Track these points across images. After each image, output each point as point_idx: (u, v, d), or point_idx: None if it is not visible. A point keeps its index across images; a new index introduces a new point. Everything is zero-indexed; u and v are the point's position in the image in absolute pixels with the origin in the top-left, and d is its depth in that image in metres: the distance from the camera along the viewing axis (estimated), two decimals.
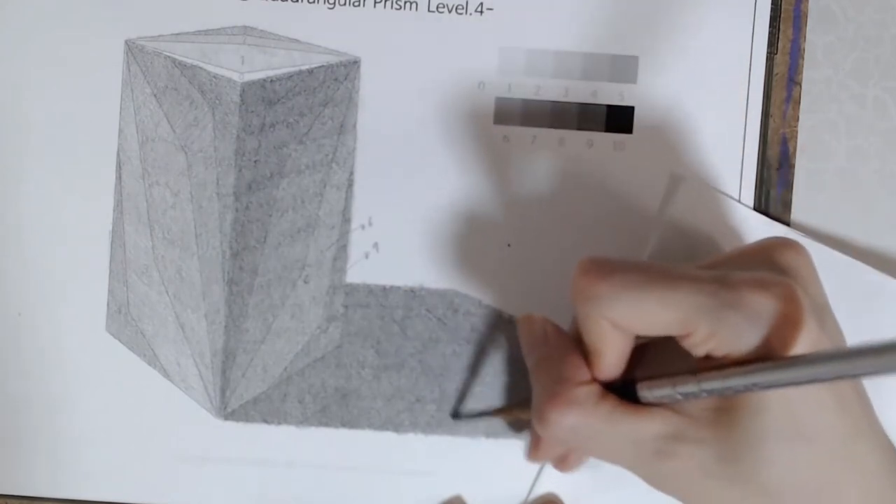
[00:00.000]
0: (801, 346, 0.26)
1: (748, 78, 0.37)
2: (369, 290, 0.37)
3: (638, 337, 0.30)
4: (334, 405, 0.37)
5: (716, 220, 0.36)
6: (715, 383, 0.27)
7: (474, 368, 0.37)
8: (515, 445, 0.37)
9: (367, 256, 0.37)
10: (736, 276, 0.27)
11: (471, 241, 0.37)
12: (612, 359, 0.30)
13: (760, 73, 0.37)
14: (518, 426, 0.37)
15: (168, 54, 0.36)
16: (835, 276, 0.34)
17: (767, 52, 0.37)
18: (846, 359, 0.23)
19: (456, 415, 0.37)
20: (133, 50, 0.37)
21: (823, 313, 0.28)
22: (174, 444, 0.37)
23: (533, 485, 0.37)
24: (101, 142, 0.37)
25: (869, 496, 0.28)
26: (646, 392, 0.29)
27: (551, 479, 0.37)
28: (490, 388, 0.37)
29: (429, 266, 0.37)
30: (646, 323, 0.28)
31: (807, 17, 0.37)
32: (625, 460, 0.30)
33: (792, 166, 0.37)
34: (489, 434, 0.37)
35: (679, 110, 0.37)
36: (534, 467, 0.37)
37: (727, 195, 0.37)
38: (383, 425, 0.37)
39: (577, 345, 0.31)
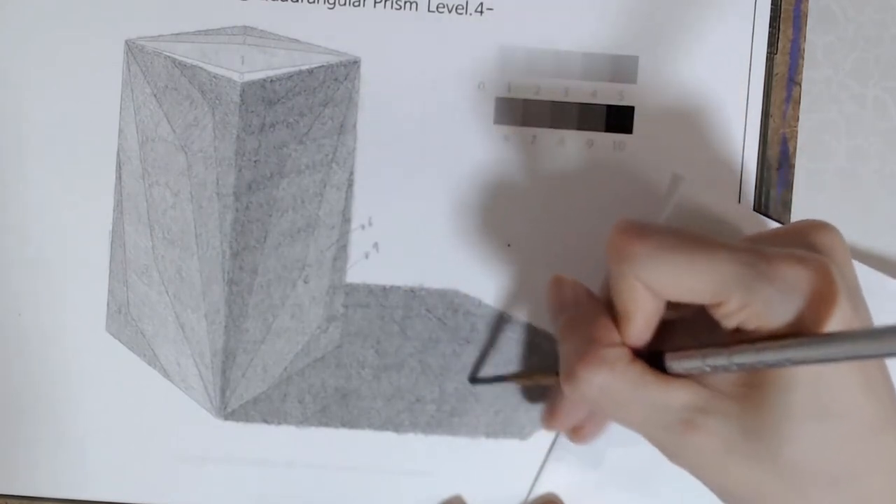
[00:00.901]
0: (835, 323, 0.26)
1: (748, 78, 0.37)
2: (369, 290, 0.37)
3: (668, 310, 0.30)
4: (334, 405, 0.37)
5: (715, 220, 0.36)
6: (747, 357, 0.26)
7: (493, 334, 0.37)
8: (515, 445, 0.37)
9: (367, 256, 0.37)
10: (772, 250, 0.27)
11: (471, 241, 0.37)
12: (641, 324, 0.29)
13: (760, 73, 0.37)
14: (533, 394, 0.37)
15: (168, 54, 0.36)
16: None
17: (767, 52, 0.37)
18: (882, 337, 0.23)
19: (473, 379, 0.37)
20: (133, 50, 0.37)
21: (856, 295, 0.28)
22: (174, 444, 0.37)
23: (533, 485, 0.37)
24: (101, 142, 0.37)
25: (889, 489, 0.27)
26: (674, 363, 0.29)
27: (551, 480, 0.37)
28: (506, 356, 0.37)
29: (429, 266, 0.37)
30: (679, 287, 0.28)
31: (807, 17, 0.37)
32: (647, 428, 0.29)
33: (792, 166, 0.37)
34: (489, 434, 0.37)
35: (679, 110, 0.37)
36: (534, 467, 0.37)
37: (727, 195, 0.37)
38: (383, 425, 0.37)
39: (608, 308, 0.30)
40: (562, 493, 0.37)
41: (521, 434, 0.37)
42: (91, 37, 0.37)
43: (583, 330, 0.30)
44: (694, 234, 0.28)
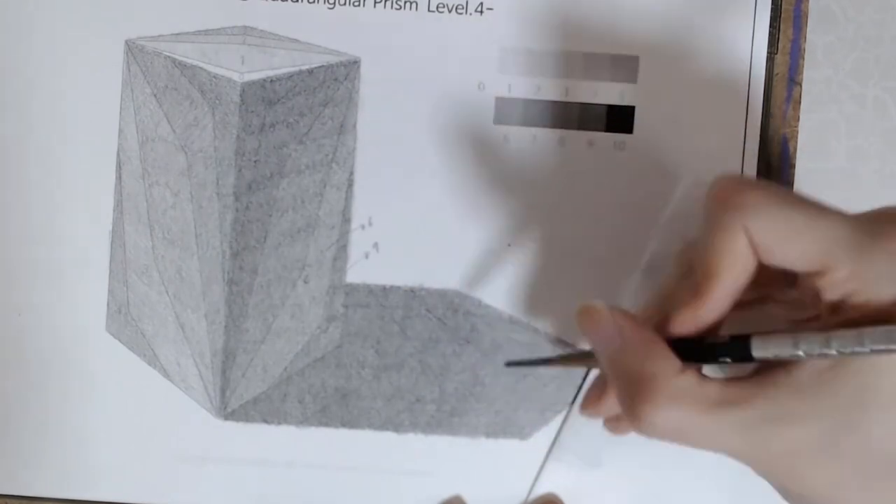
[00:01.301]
0: None
1: (748, 78, 0.37)
2: (369, 290, 0.37)
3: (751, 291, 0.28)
4: (334, 405, 0.37)
5: None
6: (849, 341, 0.24)
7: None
8: (515, 445, 0.37)
9: (367, 256, 0.37)
10: (890, 226, 0.25)
11: (471, 240, 0.37)
12: (728, 287, 0.27)
13: (760, 73, 0.37)
14: (570, 368, 0.36)
15: (168, 54, 0.36)
16: None
17: (767, 52, 0.37)
18: None
19: (509, 363, 0.37)
20: (133, 50, 0.37)
21: None
22: (174, 444, 0.37)
23: (533, 485, 0.37)
24: (101, 142, 0.37)
25: None
26: (761, 349, 0.26)
27: (551, 480, 0.37)
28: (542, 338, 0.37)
29: (429, 266, 0.37)
30: (787, 245, 0.26)
31: (807, 17, 0.37)
32: (731, 449, 0.27)
33: (792, 166, 0.37)
34: (489, 434, 0.37)
35: (679, 110, 0.37)
36: (534, 467, 0.37)
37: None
38: (383, 425, 0.37)
39: (658, 334, 0.28)
40: (562, 493, 0.37)
41: (521, 434, 0.37)
42: (91, 37, 0.37)
43: (635, 362, 0.28)
44: (806, 195, 0.26)
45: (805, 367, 0.26)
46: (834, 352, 0.24)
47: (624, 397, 0.28)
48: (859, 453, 0.26)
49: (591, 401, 0.33)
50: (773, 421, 0.26)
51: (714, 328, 0.28)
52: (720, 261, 0.27)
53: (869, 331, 0.24)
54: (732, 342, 0.27)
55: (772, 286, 0.29)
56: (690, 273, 0.28)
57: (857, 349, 0.24)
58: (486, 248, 0.37)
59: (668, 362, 0.27)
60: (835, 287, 0.25)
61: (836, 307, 0.26)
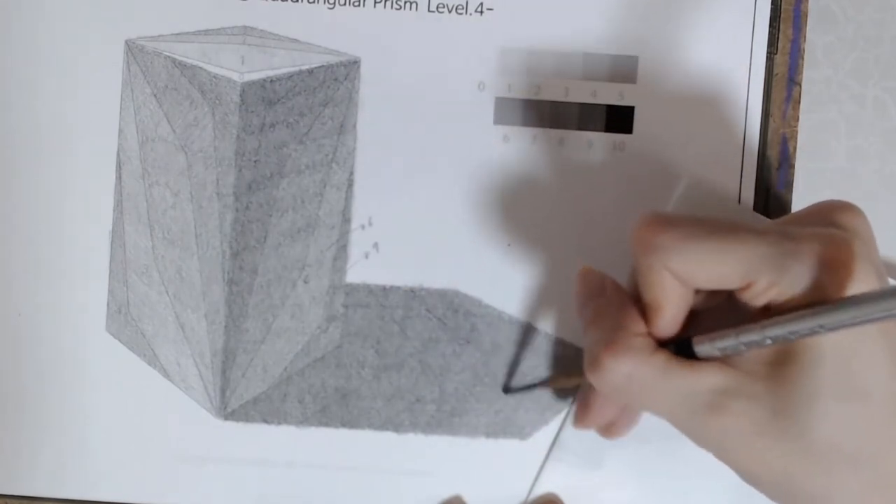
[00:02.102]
0: (856, 287, 0.26)
1: (748, 78, 0.37)
2: (369, 290, 0.37)
3: (694, 300, 0.30)
4: (334, 405, 0.37)
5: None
6: (779, 329, 0.27)
7: (522, 342, 0.37)
8: (515, 445, 0.37)
9: (367, 256, 0.37)
10: (796, 229, 0.28)
11: (471, 241, 0.37)
12: (671, 314, 0.29)
13: (760, 73, 0.37)
14: (564, 394, 0.37)
15: (168, 54, 0.36)
16: None
17: (767, 52, 0.37)
18: None
19: (507, 389, 0.37)
20: (133, 50, 0.37)
21: (880, 270, 0.28)
22: (174, 444, 0.37)
23: (533, 485, 0.37)
24: (101, 142, 0.37)
25: None
26: (705, 345, 0.29)
27: (551, 480, 0.37)
28: (537, 361, 0.37)
29: (429, 266, 0.37)
30: (708, 274, 0.28)
31: (807, 17, 0.37)
32: (675, 414, 0.29)
33: (792, 166, 0.37)
34: (489, 434, 0.37)
35: (679, 110, 0.37)
36: (534, 467, 0.37)
37: (727, 195, 0.37)
38: (383, 425, 0.37)
39: (635, 299, 0.31)
40: (562, 493, 0.37)
41: (521, 434, 0.37)
42: (91, 37, 0.37)
43: (608, 319, 0.30)
44: (718, 221, 0.29)
45: (759, 356, 0.28)
46: (768, 340, 0.27)
47: (591, 347, 0.30)
48: (805, 442, 0.27)
49: (580, 414, 0.35)
50: (721, 392, 0.28)
51: (683, 332, 0.30)
52: (656, 296, 0.29)
53: (794, 316, 0.26)
54: (678, 347, 0.30)
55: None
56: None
57: (788, 335, 0.26)
58: (485, 248, 0.37)
59: (635, 322, 0.30)
60: (758, 297, 0.28)
61: (764, 310, 0.28)
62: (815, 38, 0.38)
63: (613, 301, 0.31)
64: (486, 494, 0.37)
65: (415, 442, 0.37)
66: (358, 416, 0.37)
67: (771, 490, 0.29)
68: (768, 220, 0.34)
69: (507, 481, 0.37)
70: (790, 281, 0.27)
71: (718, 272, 0.28)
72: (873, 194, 0.38)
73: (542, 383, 0.37)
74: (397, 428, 0.37)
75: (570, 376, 0.36)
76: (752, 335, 0.27)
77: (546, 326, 0.37)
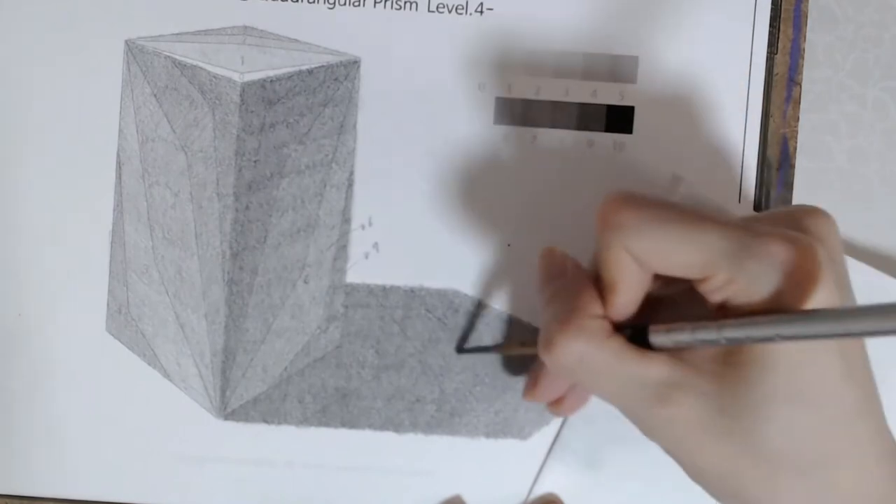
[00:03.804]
0: (817, 301, 0.26)
1: (748, 78, 0.37)
2: (369, 290, 0.37)
3: (654, 287, 0.30)
4: (334, 405, 0.37)
5: None
6: (736, 331, 0.26)
7: (479, 306, 0.37)
8: (515, 445, 0.37)
9: (366, 256, 0.37)
10: (762, 228, 0.27)
11: (471, 241, 0.37)
12: (626, 296, 0.29)
13: (760, 73, 0.37)
14: (515, 367, 0.37)
15: (168, 54, 0.36)
16: None
17: (767, 52, 0.37)
18: (870, 315, 0.23)
19: (460, 349, 0.37)
20: (133, 50, 0.37)
21: (843, 282, 0.28)
22: (174, 444, 0.37)
23: (533, 485, 0.37)
24: (101, 142, 0.37)
25: (862, 480, 0.27)
26: (661, 336, 0.28)
27: (551, 480, 0.37)
28: (492, 329, 0.37)
29: (428, 266, 0.37)
30: (666, 260, 0.28)
31: (807, 17, 0.37)
32: (623, 401, 0.29)
33: (792, 166, 0.37)
34: (489, 434, 0.37)
35: (679, 110, 0.37)
36: (534, 467, 0.37)
37: (727, 195, 0.37)
38: (383, 425, 0.37)
39: (595, 282, 0.30)
40: (562, 493, 0.37)
41: (521, 434, 0.37)
42: (91, 37, 0.37)
43: (566, 299, 0.30)
44: (685, 207, 0.28)
45: (711, 354, 0.28)
46: (724, 340, 0.26)
47: (546, 326, 0.30)
48: (751, 443, 0.27)
49: (529, 387, 0.35)
50: (670, 384, 0.28)
51: (638, 318, 0.30)
52: (612, 275, 0.29)
53: (753, 320, 0.26)
54: (634, 331, 0.29)
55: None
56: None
57: (744, 338, 0.26)
58: (485, 248, 0.37)
59: (592, 304, 0.29)
60: (715, 292, 0.27)
61: (721, 307, 0.27)
62: (815, 38, 0.38)
63: (573, 281, 0.31)
64: (486, 494, 0.37)
65: (415, 442, 0.37)
66: (358, 416, 0.37)
67: (715, 488, 0.29)
68: (736, 215, 0.34)
69: (507, 481, 0.37)
70: (748, 280, 0.26)
71: (676, 259, 0.27)
72: (873, 194, 0.38)
73: (497, 347, 0.37)
74: (397, 428, 0.37)
75: (524, 345, 0.36)
76: (708, 333, 0.27)
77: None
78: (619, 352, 0.28)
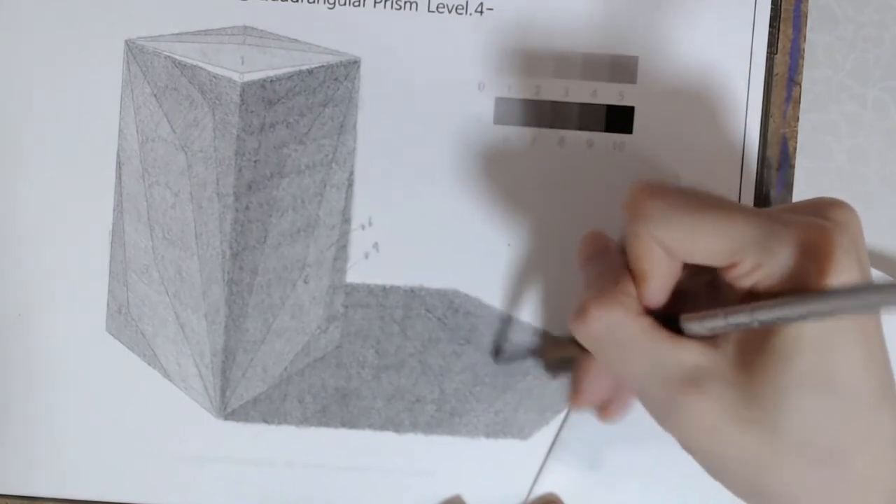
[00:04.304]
0: (838, 280, 0.26)
1: (748, 78, 0.37)
2: (369, 290, 0.37)
3: (682, 278, 0.30)
4: (334, 405, 0.37)
5: None
6: (769, 313, 0.26)
7: (508, 319, 0.37)
8: (515, 445, 0.37)
9: (366, 256, 0.37)
10: (787, 216, 0.28)
11: (471, 240, 0.37)
12: (656, 284, 0.29)
13: (760, 73, 0.37)
14: (555, 369, 0.37)
15: (168, 54, 0.36)
16: None
17: (767, 52, 0.37)
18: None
19: (497, 357, 0.37)
20: (133, 50, 0.37)
21: (865, 265, 0.28)
22: (174, 444, 0.37)
23: (533, 485, 0.37)
24: (101, 142, 0.37)
25: (879, 466, 0.27)
26: (693, 324, 0.29)
27: (551, 480, 0.37)
28: (524, 334, 0.37)
29: (429, 266, 0.37)
30: (695, 247, 0.28)
31: (807, 17, 0.37)
32: (648, 381, 0.29)
33: (792, 166, 0.37)
34: (489, 434, 0.37)
35: (679, 110, 0.37)
36: (534, 467, 0.37)
37: (726, 195, 0.37)
38: (383, 425, 0.37)
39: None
40: (562, 493, 0.37)
41: (521, 434, 0.37)
42: (91, 37, 0.37)
43: (605, 279, 0.30)
44: (711, 196, 0.29)
45: (739, 343, 0.28)
46: (757, 323, 0.27)
47: (582, 299, 0.30)
48: (776, 434, 0.27)
49: (575, 393, 0.35)
50: (699, 369, 0.28)
51: (672, 304, 0.30)
52: (642, 264, 0.29)
53: (784, 300, 0.26)
54: (667, 319, 0.29)
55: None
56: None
57: (777, 318, 0.26)
58: (485, 248, 0.37)
59: (628, 284, 0.30)
60: (743, 278, 0.28)
61: (749, 293, 0.28)
62: (815, 38, 0.38)
63: (613, 264, 0.31)
64: (486, 494, 0.37)
65: (415, 442, 0.37)
66: (358, 416, 0.37)
67: (736, 483, 0.29)
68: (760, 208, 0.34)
69: (507, 481, 0.37)
70: (775, 264, 0.27)
71: (704, 247, 0.28)
72: (873, 194, 0.38)
73: (534, 352, 0.37)
74: (397, 428, 0.37)
75: (560, 346, 0.36)
76: (741, 316, 0.27)
77: (547, 326, 0.37)
78: (651, 329, 0.29)
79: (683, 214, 0.28)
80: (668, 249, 0.29)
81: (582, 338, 0.30)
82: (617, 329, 0.29)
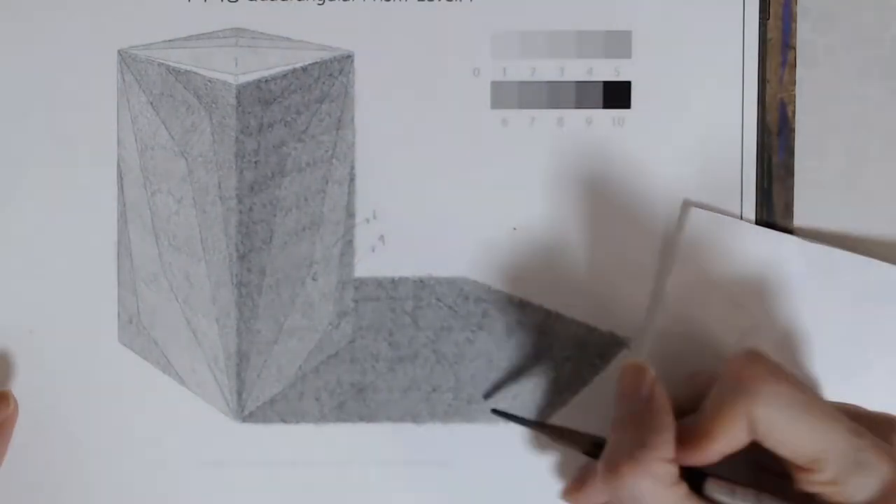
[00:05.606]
0: None
1: (742, 45, 0.37)
2: (378, 283, 0.37)
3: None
4: (351, 400, 0.37)
5: (725, 240, 0.36)
6: None
7: (516, 366, 0.37)
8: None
9: (373, 250, 0.37)
10: (873, 439, 0.28)
11: (476, 227, 0.37)
12: (718, 451, 0.29)
13: (754, 40, 0.37)
14: (543, 446, 0.37)
15: (161, 61, 0.36)
16: (854, 276, 0.35)
17: (759, 18, 0.37)
18: None
19: (488, 397, 0.37)
20: (126, 59, 0.37)
21: None
22: (194, 451, 0.37)
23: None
24: (100, 153, 0.37)
25: None
26: (723, 492, 0.29)
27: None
28: (524, 391, 0.37)
29: (436, 255, 0.37)
30: (783, 440, 0.28)
31: None
32: None
33: (792, 130, 0.37)
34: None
35: (676, 82, 0.37)
36: (553, 449, 0.37)
37: (732, 215, 0.37)
38: (402, 417, 0.37)
39: (675, 407, 0.30)
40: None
41: (539, 418, 0.37)
42: (83, 49, 0.37)
43: (641, 431, 0.30)
44: (815, 396, 0.28)
45: None
46: None
47: (613, 451, 0.30)
48: None
49: (572, 491, 0.35)
50: None
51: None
52: (718, 430, 0.29)
53: None
54: (694, 478, 0.29)
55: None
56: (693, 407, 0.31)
57: None
58: (491, 233, 0.37)
59: (666, 446, 0.29)
60: (813, 485, 0.28)
61: (807, 496, 0.28)
62: (815, 38, 0.37)
63: (654, 414, 0.30)
64: (508, 479, 0.37)
65: (434, 431, 0.37)
66: (376, 409, 0.37)
67: None
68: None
69: (529, 465, 0.37)
70: (852, 488, 0.27)
71: (793, 444, 0.28)
72: (873, 194, 0.38)
73: (530, 424, 0.36)
74: (416, 419, 0.37)
75: (561, 437, 0.35)
76: (748, 499, 0.28)
77: (559, 308, 0.37)
78: (685, 500, 0.29)
79: (787, 405, 0.28)
80: (756, 430, 0.28)
81: (607, 490, 0.30)
82: (647, 497, 0.29)
